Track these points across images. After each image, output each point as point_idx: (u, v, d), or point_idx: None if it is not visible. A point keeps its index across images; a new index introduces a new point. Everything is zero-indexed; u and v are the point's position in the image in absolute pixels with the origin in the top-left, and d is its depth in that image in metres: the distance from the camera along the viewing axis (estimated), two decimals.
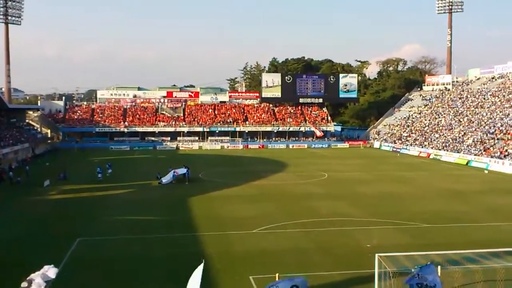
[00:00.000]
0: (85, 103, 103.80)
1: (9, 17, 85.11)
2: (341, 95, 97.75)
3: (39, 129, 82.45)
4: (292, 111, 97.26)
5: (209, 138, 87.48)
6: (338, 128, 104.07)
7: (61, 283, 18.46)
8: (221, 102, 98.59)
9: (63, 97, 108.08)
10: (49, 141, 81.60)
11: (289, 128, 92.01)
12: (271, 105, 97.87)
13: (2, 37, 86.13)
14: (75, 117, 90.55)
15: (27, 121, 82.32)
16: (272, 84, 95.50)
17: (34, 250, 22.77)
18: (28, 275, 18.77)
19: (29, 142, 68.20)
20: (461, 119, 76.65)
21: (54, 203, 34.95)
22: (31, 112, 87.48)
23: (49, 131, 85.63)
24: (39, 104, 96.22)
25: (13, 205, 34.21)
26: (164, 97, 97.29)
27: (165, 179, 43.12)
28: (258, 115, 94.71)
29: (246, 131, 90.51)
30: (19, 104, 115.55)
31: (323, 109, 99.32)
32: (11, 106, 74.26)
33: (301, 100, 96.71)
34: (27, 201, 35.66)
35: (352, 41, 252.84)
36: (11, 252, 22.60)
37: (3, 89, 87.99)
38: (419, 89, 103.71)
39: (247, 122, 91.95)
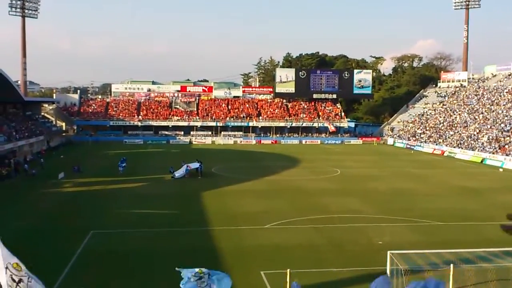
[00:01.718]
0: (99, 96, 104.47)
1: (26, 11, 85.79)
2: (355, 91, 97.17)
3: (54, 122, 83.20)
4: (305, 106, 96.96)
5: (222, 133, 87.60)
6: (352, 124, 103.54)
7: (75, 274, 18.71)
8: (234, 97, 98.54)
9: (78, 91, 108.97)
10: (63, 134, 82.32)
11: (302, 124, 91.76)
12: (284, 101, 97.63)
13: (18, 30, 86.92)
14: (90, 110, 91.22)
15: (42, 114, 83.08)
16: (286, 80, 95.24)
17: (48, 242, 23.05)
18: (44, 266, 19.08)
19: (44, 134, 68.85)
20: (476, 117, 75.86)
21: (69, 196, 35.34)
22: (46, 105, 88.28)
23: (64, 124, 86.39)
24: (54, 97, 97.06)
25: (28, 197, 34.64)
26: (178, 91, 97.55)
27: (178, 173, 43.31)
28: (272, 110, 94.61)
29: (259, 126, 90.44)
30: (34, 97, 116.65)
31: (337, 105, 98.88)
32: (27, 99, 74.93)
33: (314, 96, 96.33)
34: (41, 193, 36.08)
35: (367, 37, 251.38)
36: (26, 243, 22.88)
37: (19, 82, 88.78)
38: (434, 85, 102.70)
39: (260, 117, 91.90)
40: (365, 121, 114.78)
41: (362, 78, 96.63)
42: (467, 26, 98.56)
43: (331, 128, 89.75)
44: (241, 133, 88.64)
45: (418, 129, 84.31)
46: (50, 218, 28.02)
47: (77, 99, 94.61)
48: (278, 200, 33.81)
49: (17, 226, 26.12)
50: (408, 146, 79.14)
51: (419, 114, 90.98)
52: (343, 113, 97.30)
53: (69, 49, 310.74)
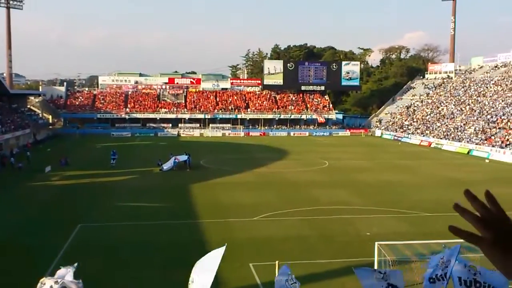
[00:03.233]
0: (86, 89, 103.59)
1: (11, 1, 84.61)
2: (343, 83, 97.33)
3: (40, 115, 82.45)
4: (293, 98, 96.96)
5: (211, 125, 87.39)
6: (340, 116, 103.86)
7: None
8: (222, 89, 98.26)
9: (65, 83, 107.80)
10: (50, 127, 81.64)
11: (290, 116, 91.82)
12: (272, 93, 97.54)
13: (3, 21, 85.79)
14: (77, 103, 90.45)
15: (28, 106, 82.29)
16: (274, 71, 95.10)
17: (35, 236, 22.85)
18: (30, 260, 18.95)
19: (31, 127, 68.21)
20: (463, 108, 76.43)
21: (56, 189, 35.05)
22: (32, 98, 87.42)
23: (50, 116, 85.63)
24: (40, 90, 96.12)
25: (15, 191, 34.30)
26: (165, 83, 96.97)
27: (166, 166, 43.14)
28: (260, 102, 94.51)
29: (248, 119, 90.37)
30: (20, 89, 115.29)
31: (325, 96, 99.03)
32: (13, 92, 74.17)
33: (303, 88, 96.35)
34: (28, 186, 35.77)
35: (355, 28, 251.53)
36: (13, 237, 22.70)
37: (4, 74, 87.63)
38: (421, 77, 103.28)
39: (248, 110, 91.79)
40: (353, 113, 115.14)
41: (350, 70, 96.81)
42: (454, 18, 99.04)
43: (320, 119, 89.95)
44: (229, 125, 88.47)
45: (405, 120, 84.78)
46: (37, 212, 27.78)
47: (63, 92, 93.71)
48: (267, 192, 33.84)
49: (3, 220, 25.88)
50: (396, 137, 79.57)
51: (406, 106, 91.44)
52: (331, 105, 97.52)
53: (55, 41, 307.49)
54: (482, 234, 1.61)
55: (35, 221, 25.58)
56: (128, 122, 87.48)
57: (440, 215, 27.46)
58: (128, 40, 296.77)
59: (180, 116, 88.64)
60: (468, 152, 60.77)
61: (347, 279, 17.85)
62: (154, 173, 42.15)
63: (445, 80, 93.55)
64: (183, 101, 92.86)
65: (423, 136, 74.10)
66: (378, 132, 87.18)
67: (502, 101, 70.84)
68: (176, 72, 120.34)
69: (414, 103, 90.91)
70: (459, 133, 67.56)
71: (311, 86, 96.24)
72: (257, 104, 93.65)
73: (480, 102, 75.09)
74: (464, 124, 70.04)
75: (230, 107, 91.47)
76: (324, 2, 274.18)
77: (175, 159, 43.65)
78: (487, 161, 54.17)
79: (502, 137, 59.20)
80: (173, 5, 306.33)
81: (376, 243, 16.55)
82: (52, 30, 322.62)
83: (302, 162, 50.34)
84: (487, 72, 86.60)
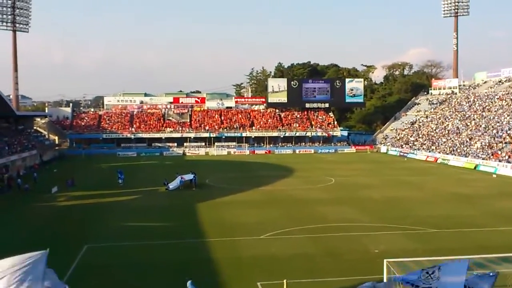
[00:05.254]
0: (92, 109, 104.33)
1: (17, 25, 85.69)
2: (347, 100, 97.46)
3: (46, 136, 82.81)
4: (298, 116, 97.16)
5: (216, 143, 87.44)
6: (345, 133, 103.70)
7: None
8: (227, 107, 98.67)
9: (71, 104, 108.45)
10: (56, 148, 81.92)
11: (295, 133, 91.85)
12: (277, 110, 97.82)
13: (10, 44, 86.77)
14: (82, 123, 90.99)
15: (34, 128, 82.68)
16: (278, 89, 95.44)
17: None
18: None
19: (37, 149, 68.48)
20: (468, 123, 76.32)
21: (62, 210, 35.09)
22: (38, 119, 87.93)
23: (56, 137, 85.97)
24: (46, 111, 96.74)
25: (22, 212, 34.36)
26: (170, 103, 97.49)
27: (172, 185, 43.17)
28: (265, 120, 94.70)
29: (253, 137, 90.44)
30: (27, 111, 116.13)
31: (330, 114, 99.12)
32: (19, 113, 74.64)
33: (307, 105, 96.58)
34: (35, 207, 35.80)
35: (358, 46, 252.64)
36: None
37: (11, 96, 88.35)
38: (425, 93, 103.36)
39: (253, 128, 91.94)
40: (358, 129, 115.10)
41: (354, 86, 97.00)
42: (456, 34, 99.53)
43: (327, 133, 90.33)
44: (234, 143, 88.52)
45: (411, 136, 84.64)
46: (44, 233, 27.76)
47: (69, 113, 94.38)
48: (273, 210, 33.74)
49: (10, 241, 25.87)
50: (401, 153, 79.34)
51: (411, 122, 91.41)
52: (335, 122, 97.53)
53: (60, 62, 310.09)
54: None
55: (42, 242, 25.49)
56: (133, 142, 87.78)
57: (448, 231, 27.31)
58: (133, 61, 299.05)
59: (185, 135, 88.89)
60: (475, 167, 60.49)
61: None
62: (160, 193, 42.15)
63: (449, 96, 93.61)
64: (188, 120, 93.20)
65: (429, 151, 73.88)
66: (383, 149, 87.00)
67: (507, 115, 70.71)
68: (180, 91, 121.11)
69: (419, 119, 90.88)
70: (465, 148, 67.34)
71: (315, 104, 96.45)
72: (261, 122, 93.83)
73: (485, 117, 74.99)
74: (470, 139, 69.84)
75: (235, 126, 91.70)
76: (327, 21, 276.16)
77: (181, 178, 43.70)
78: (494, 176, 53.86)
79: (508, 152, 58.94)
80: (177, 25, 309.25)
81: (385, 260, 16.41)
82: (58, 52, 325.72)
83: (308, 180, 50.22)
84: (491, 87, 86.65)
